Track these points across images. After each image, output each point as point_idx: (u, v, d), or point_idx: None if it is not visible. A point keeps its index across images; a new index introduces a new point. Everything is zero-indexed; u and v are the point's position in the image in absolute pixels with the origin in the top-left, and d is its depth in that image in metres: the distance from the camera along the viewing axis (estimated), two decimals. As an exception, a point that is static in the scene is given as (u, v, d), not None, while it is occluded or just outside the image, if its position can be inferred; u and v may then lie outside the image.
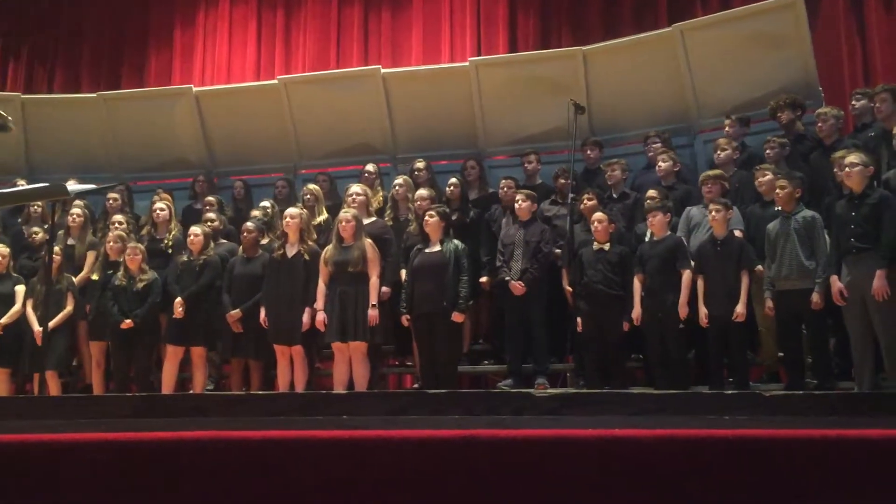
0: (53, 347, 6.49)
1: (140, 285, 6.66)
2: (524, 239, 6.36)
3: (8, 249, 7.00)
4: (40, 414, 3.56)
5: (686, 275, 5.82)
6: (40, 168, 8.65)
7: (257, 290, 6.49)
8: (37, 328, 6.52)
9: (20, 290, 6.83)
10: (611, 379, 5.92)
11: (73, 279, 6.92)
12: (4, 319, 6.70)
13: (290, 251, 6.41)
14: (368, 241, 6.28)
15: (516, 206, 6.48)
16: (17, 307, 6.77)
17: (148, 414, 3.50)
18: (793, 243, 5.52)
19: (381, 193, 7.39)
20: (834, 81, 7.75)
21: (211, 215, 7.19)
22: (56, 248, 6.48)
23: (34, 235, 7.29)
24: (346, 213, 6.33)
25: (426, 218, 6.36)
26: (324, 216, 7.01)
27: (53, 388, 6.57)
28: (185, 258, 6.74)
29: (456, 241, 6.35)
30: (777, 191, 5.67)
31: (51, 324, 6.28)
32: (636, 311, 5.89)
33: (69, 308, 6.75)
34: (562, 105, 6.74)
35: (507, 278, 6.29)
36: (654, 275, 5.90)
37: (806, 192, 5.83)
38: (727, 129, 6.82)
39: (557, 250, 6.49)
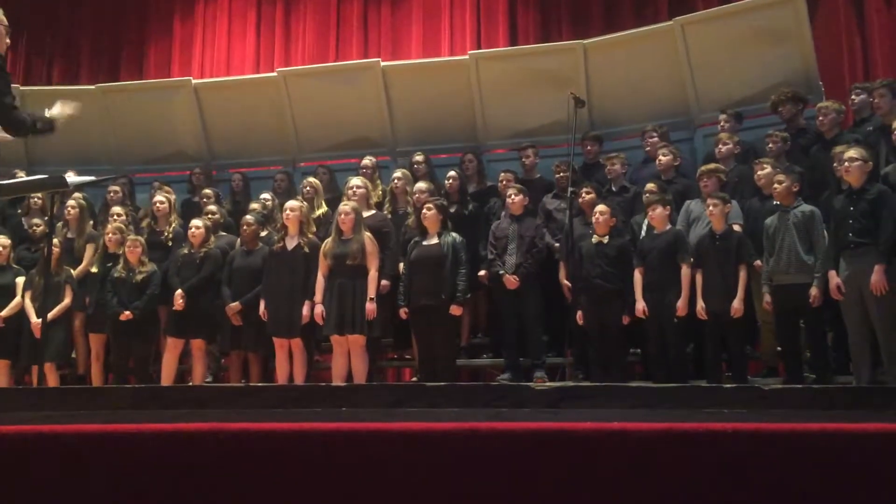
0: (52, 339, 6.48)
1: (139, 277, 6.66)
2: (518, 233, 6.36)
3: (9, 241, 6.99)
4: (39, 405, 3.55)
5: (685, 269, 5.81)
6: (39, 159, 8.64)
7: (257, 282, 6.49)
8: (35, 320, 6.52)
9: (20, 281, 6.83)
10: (610, 373, 5.92)
11: (72, 271, 6.92)
12: (5, 312, 6.70)
13: (290, 244, 6.42)
14: (368, 234, 6.28)
15: (508, 200, 6.48)
16: (17, 299, 6.76)
17: (147, 406, 3.50)
18: (791, 237, 5.51)
19: (380, 187, 7.38)
20: (834, 76, 7.74)
21: (212, 208, 7.19)
22: (55, 240, 6.49)
23: (35, 227, 7.27)
24: (345, 206, 6.33)
25: (423, 211, 6.35)
26: (323, 209, 7.00)
27: (52, 379, 6.57)
28: (185, 251, 6.75)
29: (453, 234, 6.34)
30: (775, 185, 5.66)
31: (49, 316, 6.29)
32: (639, 305, 5.87)
33: (67, 300, 6.75)
34: (562, 99, 6.71)
35: (501, 272, 6.30)
36: (655, 268, 5.88)
37: (806, 187, 5.82)
38: (723, 124, 6.82)
39: (556, 244, 6.49)
